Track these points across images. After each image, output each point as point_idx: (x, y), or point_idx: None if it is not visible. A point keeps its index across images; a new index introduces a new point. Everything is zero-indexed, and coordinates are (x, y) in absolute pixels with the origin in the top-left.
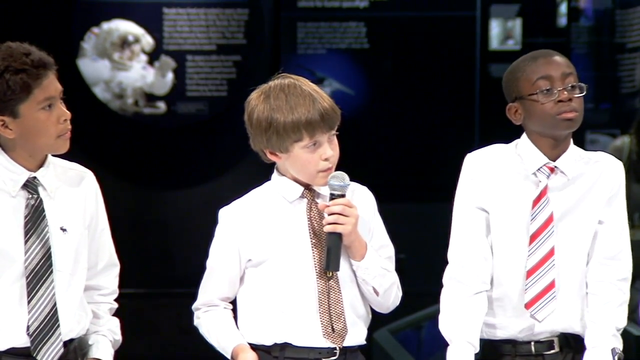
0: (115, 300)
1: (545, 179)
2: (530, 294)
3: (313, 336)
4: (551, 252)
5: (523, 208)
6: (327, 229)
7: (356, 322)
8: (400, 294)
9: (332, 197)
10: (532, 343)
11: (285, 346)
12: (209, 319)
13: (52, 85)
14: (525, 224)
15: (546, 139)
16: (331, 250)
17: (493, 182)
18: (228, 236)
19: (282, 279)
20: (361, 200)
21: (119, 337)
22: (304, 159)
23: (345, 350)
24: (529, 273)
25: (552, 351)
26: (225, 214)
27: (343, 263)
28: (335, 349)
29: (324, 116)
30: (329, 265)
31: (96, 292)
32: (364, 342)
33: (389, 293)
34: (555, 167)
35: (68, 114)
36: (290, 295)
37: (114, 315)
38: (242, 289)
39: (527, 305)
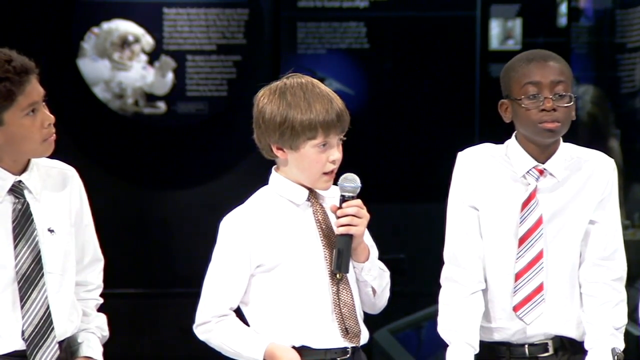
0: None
1: (535, 182)
2: (519, 297)
3: (331, 337)
4: (540, 255)
5: (512, 210)
6: (340, 230)
7: (361, 322)
8: (389, 294)
9: (343, 199)
10: (526, 346)
11: (302, 349)
12: (224, 328)
13: (34, 90)
14: (514, 227)
15: (533, 143)
16: (342, 252)
17: (483, 181)
18: (237, 244)
19: (297, 282)
20: None
21: (106, 332)
22: (312, 158)
23: (354, 350)
24: (517, 276)
25: (547, 354)
26: (231, 222)
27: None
28: (347, 348)
29: (339, 117)
30: (340, 267)
31: (82, 289)
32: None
33: (384, 293)
34: (544, 169)
35: (52, 118)
36: (307, 298)
37: (104, 311)
38: (253, 295)
39: (515, 308)
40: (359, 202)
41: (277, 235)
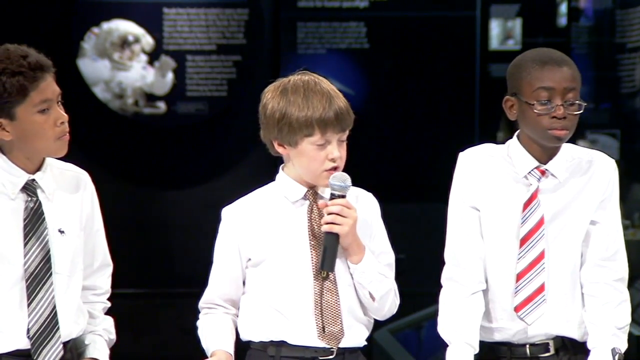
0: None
1: (536, 182)
2: (520, 297)
3: (308, 336)
4: (541, 256)
5: (513, 211)
6: (324, 228)
7: (354, 325)
8: (397, 302)
9: (332, 197)
10: (527, 346)
11: (281, 344)
12: (205, 321)
13: (49, 87)
14: (515, 228)
15: (537, 144)
16: (327, 250)
17: (485, 182)
18: (229, 235)
19: (279, 278)
20: (365, 206)
21: (113, 336)
22: (310, 155)
23: (343, 351)
24: (519, 276)
25: (548, 354)
26: (227, 212)
27: (341, 266)
28: (331, 348)
29: (338, 116)
30: (323, 264)
31: (90, 292)
32: (365, 344)
33: (385, 299)
34: (546, 170)
35: (65, 117)
36: (287, 295)
37: (106, 314)
38: (246, 286)
39: (517, 309)
40: (344, 201)
41: (266, 231)
